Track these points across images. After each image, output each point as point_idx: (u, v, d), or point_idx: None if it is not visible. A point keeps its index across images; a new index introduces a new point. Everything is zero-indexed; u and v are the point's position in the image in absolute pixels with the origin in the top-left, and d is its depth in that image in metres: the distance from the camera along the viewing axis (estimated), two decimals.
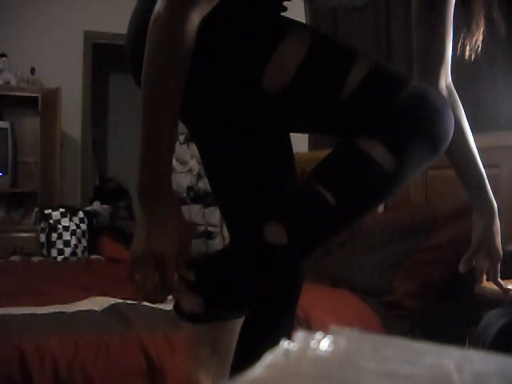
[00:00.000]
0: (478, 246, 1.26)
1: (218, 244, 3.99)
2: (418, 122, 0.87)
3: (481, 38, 1.14)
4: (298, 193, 0.95)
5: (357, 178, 0.89)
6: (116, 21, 4.53)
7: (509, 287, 1.34)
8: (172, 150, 0.90)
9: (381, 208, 2.97)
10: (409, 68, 3.27)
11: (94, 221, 3.98)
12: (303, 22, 3.87)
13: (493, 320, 1.58)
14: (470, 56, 1.15)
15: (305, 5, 3.85)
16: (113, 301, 2.18)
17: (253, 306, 0.96)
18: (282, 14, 1.14)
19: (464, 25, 1.14)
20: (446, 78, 1.21)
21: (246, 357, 1.00)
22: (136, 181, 0.90)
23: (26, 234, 4.25)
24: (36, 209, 3.95)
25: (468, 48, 1.14)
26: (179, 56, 0.86)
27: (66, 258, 3.59)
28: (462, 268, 1.27)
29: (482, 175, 1.23)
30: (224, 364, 0.93)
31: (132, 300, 2.23)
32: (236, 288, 0.91)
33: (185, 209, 4.24)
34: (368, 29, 3.42)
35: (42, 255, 3.62)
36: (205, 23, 0.91)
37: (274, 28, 0.98)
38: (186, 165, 4.51)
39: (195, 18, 0.86)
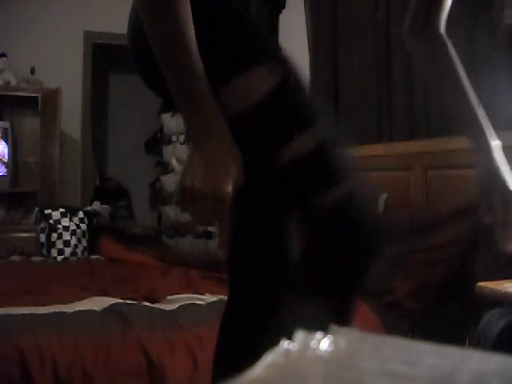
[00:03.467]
0: (483, 186, 1.13)
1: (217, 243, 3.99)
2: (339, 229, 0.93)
3: None
4: None
5: None
6: (116, 21, 4.52)
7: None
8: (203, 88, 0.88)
9: (381, 208, 2.97)
10: (409, 68, 3.25)
11: (94, 221, 3.98)
12: (304, 21, 3.86)
13: (493, 320, 1.58)
14: (509, 18, 1.10)
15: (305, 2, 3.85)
16: (113, 301, 2.18)
17: None
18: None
19: None
20: (440, 25, 1.18)
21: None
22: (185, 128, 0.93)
23: (26, 234, 4.25)
24: (36, 209, 3.95)
25: (508, 9, 1.10)
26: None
27: (66, 258, 3.59)
28: (486, 219, 1.11)
29: (474, 112, 1.16)
30: None
31: (132, 300, 2.23)
32: None
33: None
34: (368, 29, 3.42)
35: (42, 255, 3.62)
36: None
37: (254, 51, 0.96)
38: None
39: None
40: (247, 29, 0.97)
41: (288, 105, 0.94)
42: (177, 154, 4.82)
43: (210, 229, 4.25)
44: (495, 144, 1.15)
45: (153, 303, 2.24)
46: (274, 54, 0.97)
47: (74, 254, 3.64)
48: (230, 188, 0.88)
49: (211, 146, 0.88)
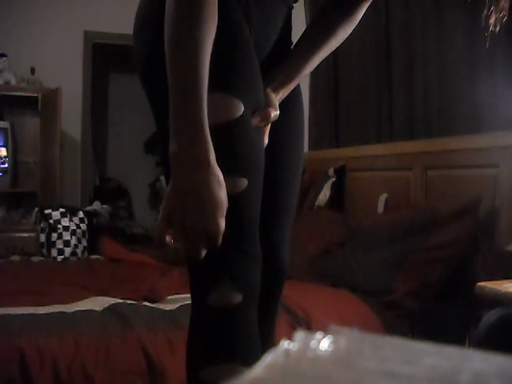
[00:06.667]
0: None
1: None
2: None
3: (507, 5, 1.07)
4: None
5: None
6: (116, 21, 4.52)
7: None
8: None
9: (381, 208, 2.97)
10: (409, 68, 3.25)
11: (94, 221, 3.98)
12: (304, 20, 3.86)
13: (493, 320, 1.58)
14: (495, 26, 1.08)
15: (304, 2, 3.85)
16: (113, 301, 2.18)
17: None
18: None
19: None
20: None
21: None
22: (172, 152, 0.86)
23: (26, 234, 4.25)
24: (36, 209, 3.95)
25: (494, 17, 1.07)
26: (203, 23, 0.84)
27: (66, 258, 3.59)
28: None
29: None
30: None
31: (132, 300, 2.23)
32: None
33: None
34: (368, 29, 3.42)
35: (42, 255, 3.61)
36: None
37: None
38: None
39: None
40: (234, 51, 0.96)
41: (225, 148, 0.91)
42: None
43: None
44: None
45: (153, 303, 2.24)
46: (244, 90, 0.94)
47: (74, 254, 3.64)
48: (222, 226, 0.85)
49: (200, 176, 0.84)
